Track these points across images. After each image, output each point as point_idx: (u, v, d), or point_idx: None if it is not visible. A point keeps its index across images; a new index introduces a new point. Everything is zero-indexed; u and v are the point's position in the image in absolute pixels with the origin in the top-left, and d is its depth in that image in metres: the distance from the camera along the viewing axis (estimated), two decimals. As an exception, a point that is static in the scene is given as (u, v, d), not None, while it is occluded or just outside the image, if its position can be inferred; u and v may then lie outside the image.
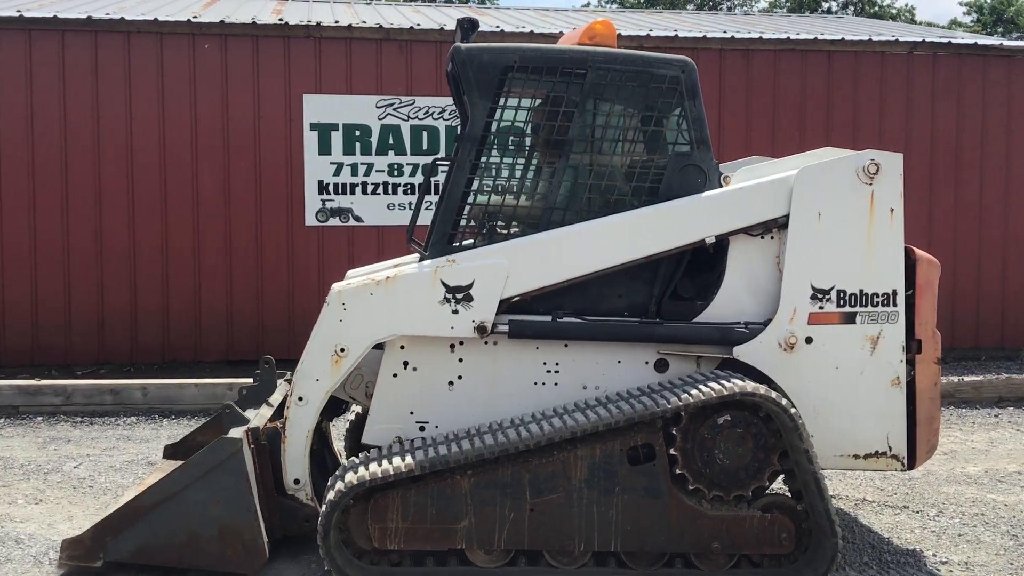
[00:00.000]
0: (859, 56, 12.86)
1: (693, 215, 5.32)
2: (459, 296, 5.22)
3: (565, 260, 5.30)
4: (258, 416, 5.72)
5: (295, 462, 5.32)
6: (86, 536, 5.10)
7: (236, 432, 5.25)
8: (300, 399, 5.32)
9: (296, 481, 5.33)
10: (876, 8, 44.96)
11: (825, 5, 45.63)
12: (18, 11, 11.50)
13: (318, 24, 11.85)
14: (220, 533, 5.05)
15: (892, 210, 5.31)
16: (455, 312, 5.22)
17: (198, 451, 5.26)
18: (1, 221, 11.25)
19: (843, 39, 12.93)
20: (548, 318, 5.35)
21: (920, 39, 13.25)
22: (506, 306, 5.29)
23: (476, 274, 5.22)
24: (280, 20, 12.00)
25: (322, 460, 5.96)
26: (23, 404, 9.31)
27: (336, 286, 5.34)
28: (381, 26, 12.06)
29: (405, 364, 5.35)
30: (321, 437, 6.02)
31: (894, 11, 45.44)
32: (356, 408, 6.52)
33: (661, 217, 5.33)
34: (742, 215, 5.32)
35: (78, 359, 11.38)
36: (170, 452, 6.29)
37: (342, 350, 5.26)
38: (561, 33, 11.68)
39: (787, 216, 5.30)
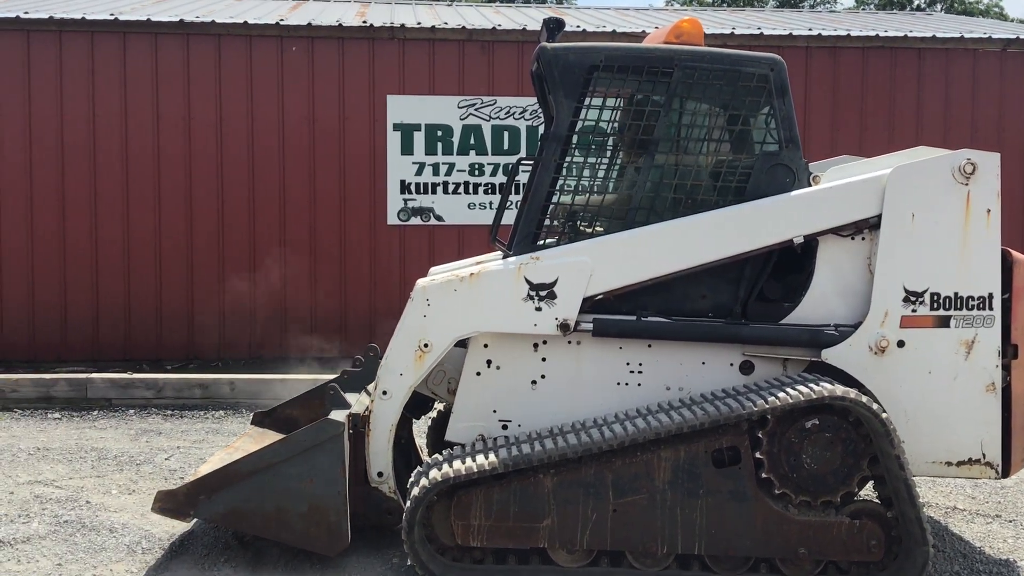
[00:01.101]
0: (950, 53, 12.54)
1: (781, 214, 5.24)
2: (543, 293, 5.22)
3: (649, 259, 5.26)
4: (358, 403, 5.80)
5: (379, 455, 5.39)
6: (181, 491, 5.24)
7: (339, 415, 5.33)
8: (384, 393, 5.38)
9: (380, 474, 5.40)
10: (964, 5, 43.79)
11: (914, 2, 44.60)
12: (112, 14, 11.87)
13: (402, 26, 11.99)
14: (309, 511, 5.14)
15: (988, 211, 5.16)
16: (538, 309, 5.23)
17: (301, 428, 5.37)
18: (99, 220, 11.61)
19: (934, 36, 12.62)
20: (632, 317, 5.32)
21: (1014, 36, 12.86)
22: (589, 304, 5.28)
23: (560, 271, 5.22)
24: (364, 22, 12.17)
25: (408, 455, 6.03)
26: (116, 397, 9.61)
27: (421, 282, 5.40)
28: (463, 27, 12.15)
29: (488, 363, 5.38)
30: (408, 433, 6.09)
31: (982, 7, 44.20)
32: (439, 406, 6.58)
33: (748, 216, 5.26)
34: (832, 215, 5.23)
35: (168, 354, 11.70)
36: (258, 419, 6.49)
37: (425, 345, 5.31)
38: (644, 32, 11.63)
39: (878, 217, 5.19)
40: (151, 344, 11.69)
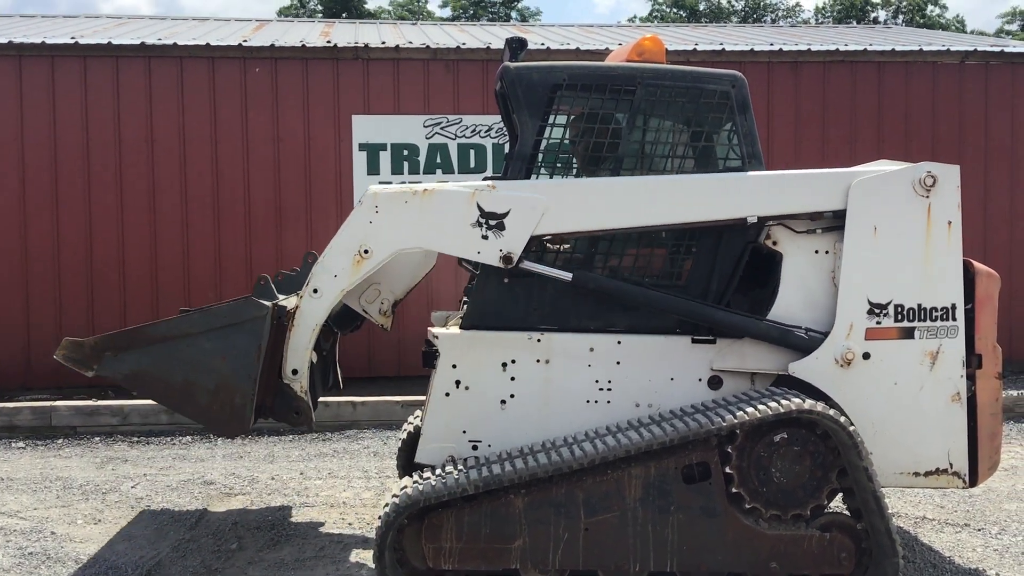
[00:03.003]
0: (910, 67, 12.71)
1: (740, 190, 5.28)
2: (492, 223, 5.21)
3: (603, 209, 5.26)
4: (287, 300, 5.69)
5: (297, 352, 5.33)
6: (89, 343, 5.12)
7: (265, 301, 5.24)
8: (315, 291, 5.32)
9: (295, 372, 5.33)
10: (925, 18, 44.52)
11: (873, 15, 45.27)
12: (73, 38, 11.77)
13: (366, 46, 11.98)
14: (216, 389, 5.05)
15: (950, 223, 5.22)
16: (484, 237, 5.22)
17: (224, 303, 5.27)
18: (60, 242, 11.47)
19: (893, 50, 12.79)
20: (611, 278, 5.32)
21: (972, 48, 13.06)
22: (535, 244, 5.28)
23: (513, 204, 5.22)
24: (329, 42, 12.14)
25: (325, 369, 5.94)
26: (81, 424, 9.48)
27: (373, 188, 5.37)
28: (428, 46, 12.16)
29: (457, 383, 5.35)
30: (332, 346, 6.06)
31: (943, 21, 44.94)
32: (408, 427, 6.54)
33: (707, 185, 5.30)
34: (789, 200, 5.27)
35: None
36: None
37: (366, 251, 5.27)
38: (607, 49, 11.71)
39: (834, 213, 5.25)
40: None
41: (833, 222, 5.31)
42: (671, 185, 5.30)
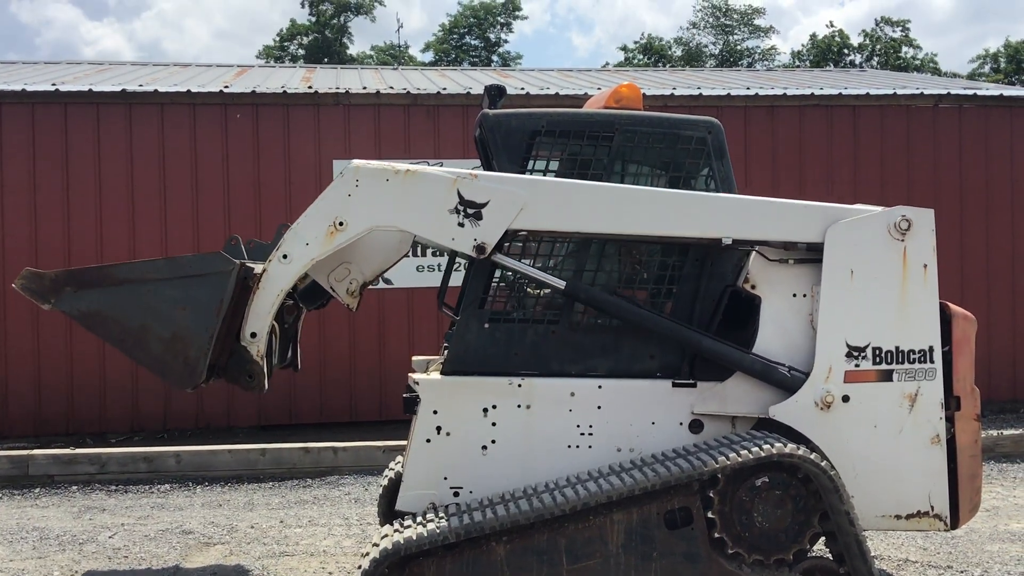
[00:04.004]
0: (884, 110, 12.90)
1: (717, 209, 5.29)
2: (470, 211, 5.21)
3: (581, 211, 5.25)
4: (256, 264, 5.64)
5: (259, 315, 5.27)
6: (49, 276, 5.07)
7: (234, 260, 5.21)
8: (284, 257, 5.27)
9: (253, 335, 5.27)
10: (900, 59, 45.20)
11: (849, 58, 45.91)
12: (53, 85, 11.80)
13: (347, 91, 12.06)
14: (172, 338, 4.99)
15: (926, 266, 5.27)
16: (461, 225, 5.21)
17: (192, 254, 5.20)
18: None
19: (867, 93, 12.98)
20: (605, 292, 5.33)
21: (945, 91, 13.28)
22: (510, 237, 5.29)
23: (493, 195, 5.21)
24: (310, 88, 12.22)
25: (285, 343, 5.90)
26: (59, 473, 9.36)
27: (356, 162, 5.36)
28: (408, 92, 12.25)
29: (438, 429, 5.32)
30: (295, 321, 6.02)
31: (917, 62, 45.63)
32: (389, 473, 6.50)
33: (685, 200, 5.31)
34: (765, 226, 5.29)
35: (112, 427, 11.45)
36: None
37: (341, 223, 5.24)
38: (585, 94, 11.81)
39: (808, 245, 5.29)
40: (95, 417, 11.43)
41: (806, 254, 5.35)
42: (650, 195, 5.32)
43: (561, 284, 5.29)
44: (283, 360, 5.34)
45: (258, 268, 5.45)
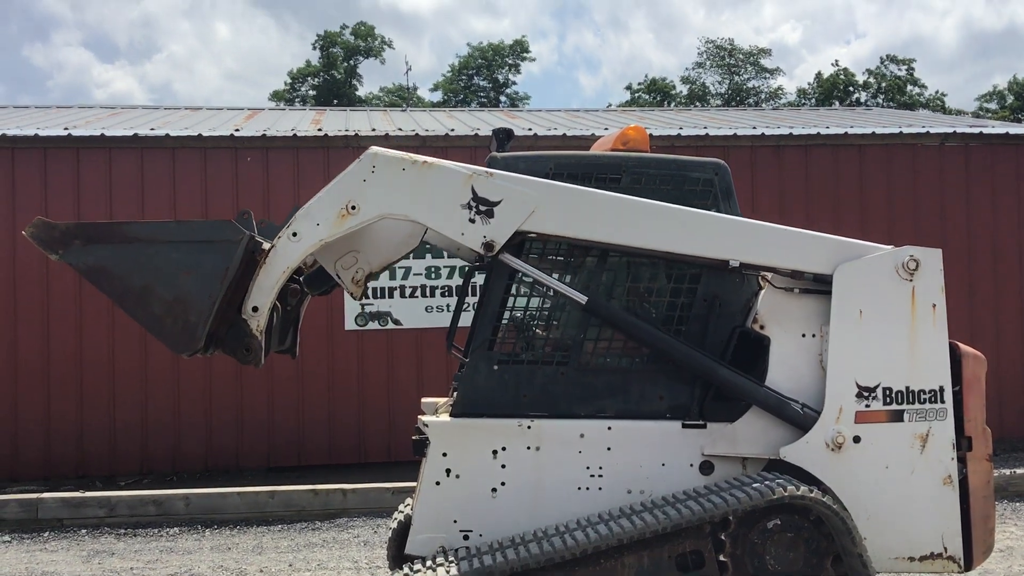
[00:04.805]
0: (891, 149, 12.94)
1: (726, 230, 5.31)
2: (482, 208, 5.22)
3: (591, 220, 5.26)
4: (265, 241, 5.59)
5: (263, 290, 5.24)
6: (60, 227, 5.06)
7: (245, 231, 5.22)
8: (294, 234, 5.26)
9: (255, 309, 5.23)
10: (905, 96, 45.36)
11: (855, 95, 46.10)
12: (66, 129, 11.93)
13: (356, 134, 12.17)
14: (173, 301, 4.99)
15: (934, 305, 5.27)
16: (471, 221, 5.22)
17: (203, 220, 5.18)
18: (50, 334, 11.46)
19: (873, 132, 13.04)
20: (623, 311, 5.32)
21: (951, 130, 13.33)
22: (519, 239, 5.29)
23: (506, 195, 5.23)
24: (320, 130, 12.33)
25: (286, 325, 5.88)
26: (68, 516, 9.35)
27: (374, 148, 5.36)
28: (417, 133, 12.36)
29: (448, 471, 5.31)
30: (298, 304, 6.00)
31: (924, 99, 45.78)
32: (399, 515, 6.47)
33: (695, 219, 5.32)
34: (773, 252, 5.30)
35: (122, 468, 11.44)
36: None
37: (353, 207, 5.24)
38: (592, 135, 11.90)
39: (815, 276, 5.28)
40: (105, 459, 11.43)
41: (813, 285, 5.35)
42: (662, 210, 5.31)
43: (583, 299, 5.30)
44: (283, 341, 5.34)
45: (267, 244, 5.47)
